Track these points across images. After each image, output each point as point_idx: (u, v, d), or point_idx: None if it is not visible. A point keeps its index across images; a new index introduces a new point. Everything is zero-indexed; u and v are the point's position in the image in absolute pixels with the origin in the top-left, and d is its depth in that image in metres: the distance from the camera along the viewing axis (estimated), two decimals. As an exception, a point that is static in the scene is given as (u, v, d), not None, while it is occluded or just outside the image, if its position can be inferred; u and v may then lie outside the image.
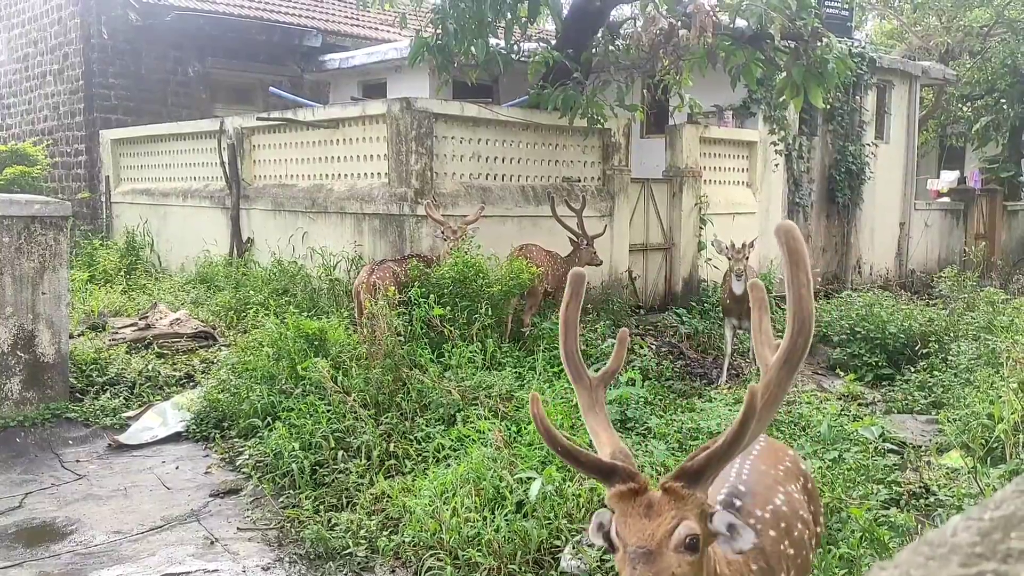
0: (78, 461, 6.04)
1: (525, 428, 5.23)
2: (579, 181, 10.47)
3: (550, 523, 4.27)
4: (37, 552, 4.69)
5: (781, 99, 9.70)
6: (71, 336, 7.23)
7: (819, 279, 13.76)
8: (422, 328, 6.87)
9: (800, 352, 2.02)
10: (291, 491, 5.30)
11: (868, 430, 4.98)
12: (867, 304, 9.35)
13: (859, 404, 7.19)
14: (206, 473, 5.86)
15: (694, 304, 10.51)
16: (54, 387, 6.76)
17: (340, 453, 5.43)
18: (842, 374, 7.78)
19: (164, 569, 4.46)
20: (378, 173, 9.43)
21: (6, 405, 6.50)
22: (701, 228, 11.71)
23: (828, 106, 12.87)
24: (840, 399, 7.12)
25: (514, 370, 6.60)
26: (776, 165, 12.98)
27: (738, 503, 2.47)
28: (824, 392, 7.46)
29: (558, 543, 4.27)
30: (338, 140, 10.03)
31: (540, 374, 6.44)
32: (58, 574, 4.41)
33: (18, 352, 6.56)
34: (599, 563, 4.07)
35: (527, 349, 7.42)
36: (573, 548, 4.15)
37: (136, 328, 8.71)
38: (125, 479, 5.74)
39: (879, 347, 8.52)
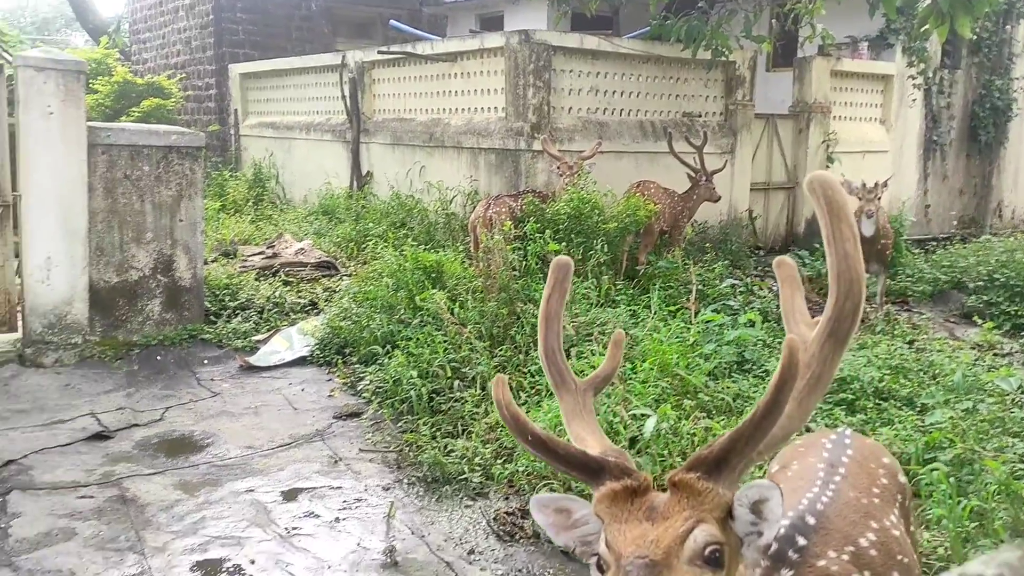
0: (212, 380, 6.41)
1: (640, 365, 5.20)
2: (700, 116, 10.15)
3: (664, 460, 4.26)
4: (178, 462, 5.03)
5: (923, 28, 9.04)
6: (205, 262, 7.61)
7: (954, 222, 13.00)
8: (537, 263, 6.88)
9: (849, 320, 1.65)
10: (409, 417, 5.47)
11: (1005, 381, 4.72)
12: (1008, 249, 8.79)
13: (995, 354, 6.81)
14: (329, 396, 6.12)
15: (818, 246, 10.11)
16: (190, 310, 7.16)
17: (456, 383, 5.56)
18: (979, 322, 7.36)
19: (292, 484, 4.71)
20: (495, 107, 9.40)
21: (148, 325, 6.94)
22: (828, 167, 11.19)
23: (975, 36, 11.94)
24: (974, 348, 6.76)
25: (628, 308, 6.56)
26: (913, 100, 12.20)
27: (802, 541, 1.88)
28: (956, 340, 7.10)
29: (671, 480, 4.26)
30: (456, 74, 10.03)
31: (655, 312, 6.36)
32: (196, 483, 4.73)
33: (158, 276, 6.96)
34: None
35: (641, 287, 7.34)
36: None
37: (264, 256, 9.09)
38: (255, 398, 6.06)
39: (1020, 295, 8.01)
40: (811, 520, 1.94)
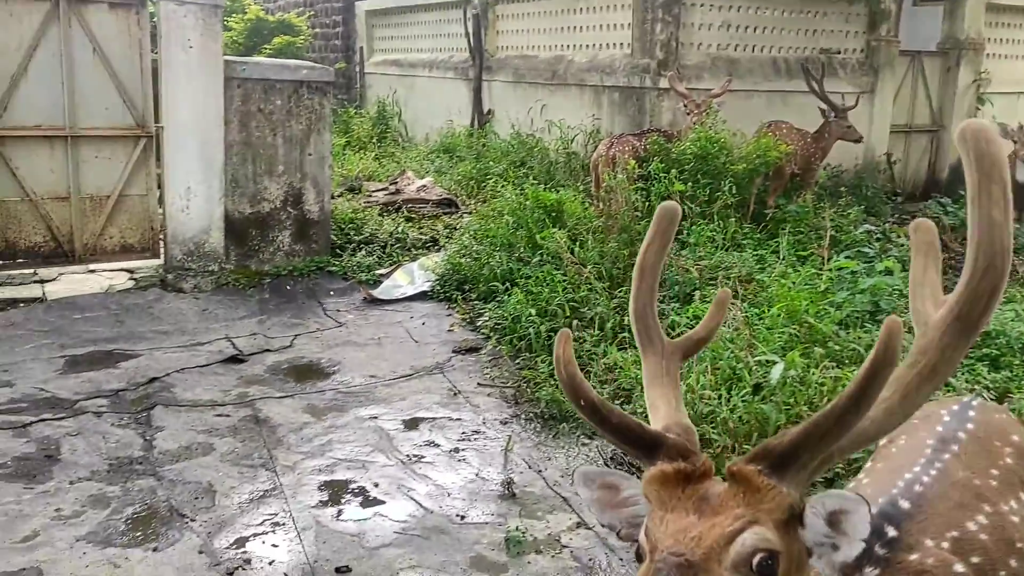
0: (338, 310, 6.62)
1: (767, 311, 5.03)
2: (838, 53, 9.57)
3: (790, 409, 4.12)
4: (306, 387, 5.24)
5: (1100, -46, 8.18)
6: (332, 196, 7.81)
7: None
8: (660, 204, 6.72)
9: (984, 303, 1.35)
10: (527, 354, 5.50)
11: None
12: None
13: None
14: (449, 331, 6.22)
15: (962, 193, 9.45)
16: (318, 242, 7.38)
17: (574, 322, 5.53)
18: None
19: (413, 413, 4.83)
20: (620, 43, 9.15)
21: (278, 255, 7.21)
22: (978, 108, 10.42)
23: None
24: None
25: (755, 252, 6.34)
26: (1081, 36, 11.15)
27: (892, 533, 1.64)
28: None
29: (796, 430, 4.13)
30: (580, 9, 9.78)
31: (783, 258, 6.13)
32: (324, 408, 4.92)
33: (288, 208, 7.19)
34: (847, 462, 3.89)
35: (769, 231, 7.07)
36: (813, 436, 3.99)
37: (387, 192, 9.25)
38: (378, 330, 6.22)
39: None
40: (905, 505, 1.69)
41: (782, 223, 7.08)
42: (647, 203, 6.68)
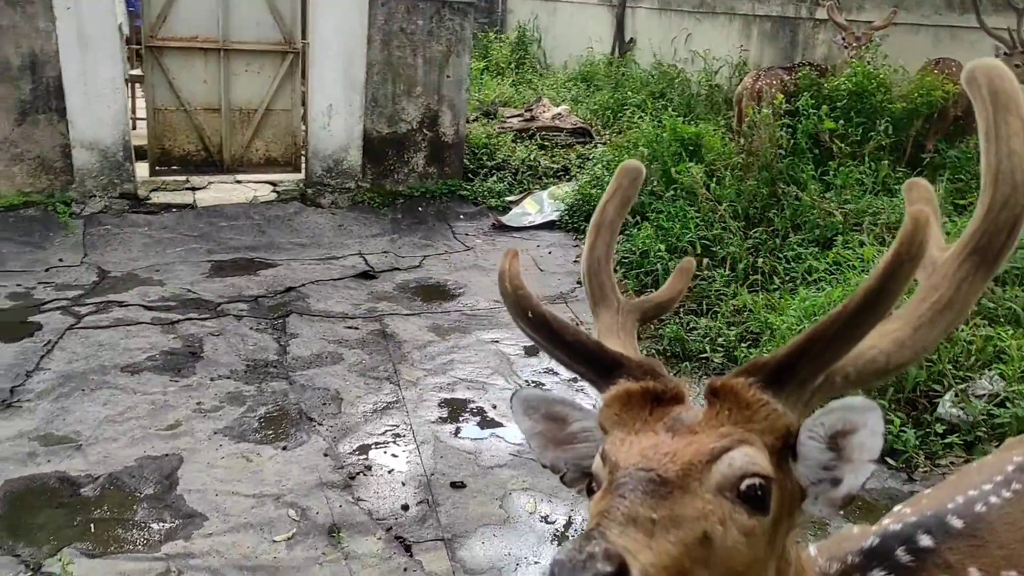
0: (467, 235, 6.68)
1: (914, 262, 4.71)
2: (1023, -15, 8.67)
3: (931, 366, 3.89)
4: (432, 307, 5.34)
5: None
6: (467, 120, 7.81)
7: None
8: (807, 142, 6.37)
9: (1004, 236, 1.18)
10: (652, 289, 5.38)
11: None
12: None
13: None
14: (575, 262, 6.17)
15: None
16: (451, 165, 7.43)
17: (705, 260, 5.38)
18: None
19: (535, 340, 4.85)
20: (777, -31, 8.62)
21: (412, 177, 7.31)
22: None
23: None
24: None
25: (907, 199, 5.93)
26: None
27: (925, 542, 1.38)
28: None
29: (937, 388, 3.90)
30: (737, -69, 9.26)
31: (940, 207, 5.70)
32: (448, 328, 5.01)
33: (424, 130, 7.25)
34: (985, 415, 3.65)
35: (925, 177, 6.59)
36: (956, 396, 3.76)
37: (522, 119, 9.18)
38: (505, 256, 6.24)
39: None
40: (956, 523, 1.41)
41: (940, 169, 6.58)
42: (792, 141, 6.35)
